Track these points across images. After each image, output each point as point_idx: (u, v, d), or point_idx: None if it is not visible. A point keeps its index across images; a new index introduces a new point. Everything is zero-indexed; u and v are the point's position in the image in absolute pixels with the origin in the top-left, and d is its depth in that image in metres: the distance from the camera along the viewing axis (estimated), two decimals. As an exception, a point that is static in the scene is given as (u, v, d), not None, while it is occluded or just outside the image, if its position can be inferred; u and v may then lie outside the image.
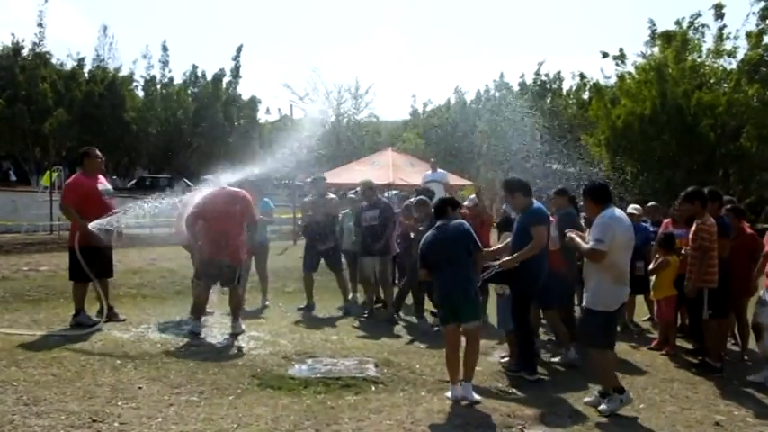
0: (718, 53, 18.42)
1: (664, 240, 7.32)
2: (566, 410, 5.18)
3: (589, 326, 5.26)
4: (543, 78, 34.71)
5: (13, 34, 40.40)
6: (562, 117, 23.18)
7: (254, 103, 39.69)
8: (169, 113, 35.79)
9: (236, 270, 7.37)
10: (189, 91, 37.44)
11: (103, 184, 7.89)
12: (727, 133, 17.79)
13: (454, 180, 18.95)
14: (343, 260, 9.37)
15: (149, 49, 38.25)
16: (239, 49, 38.02)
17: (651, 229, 8.50)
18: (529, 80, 34.85)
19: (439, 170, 15.14)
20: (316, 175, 9.68)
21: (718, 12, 18.28)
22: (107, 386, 5.38)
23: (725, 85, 18.19)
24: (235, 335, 7.18)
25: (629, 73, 19.80)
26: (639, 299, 8.35)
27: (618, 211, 5.28)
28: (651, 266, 7.36)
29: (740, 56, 18.02)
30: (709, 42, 18.63)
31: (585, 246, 5.18)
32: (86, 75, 35.01)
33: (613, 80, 21.34)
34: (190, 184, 8.51)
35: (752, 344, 6.81)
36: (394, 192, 14.93)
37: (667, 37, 18.82)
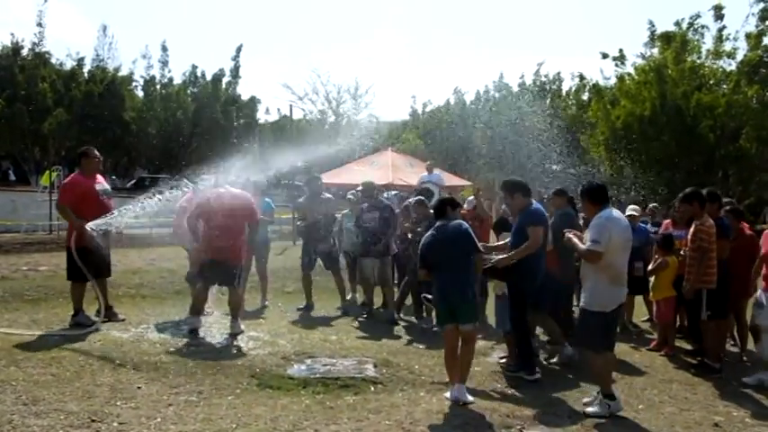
0: (717, 54, 18.43)
1: (662, 241, 7.34)
2: (565, 411, 5.18)
3: (586, 327, 5.26)
4: (543, 79, 34.72)
5: (12, 34, 40.29)
6: (562, 118, 23.16)
7: (253, 103, 39.62)
8: (169, 113, 35.73)
9: (237, 270, 7.37)
10: (188, 91, 37.37)
11: (101, 184, 7.86)
12: (727, 134, 17.80)
13: (454, 180, 18.95)
14: (343, 260, 9.39)
15: (149, 49, 38.15)
16: (239, 49, 38.00)
17: (651, 230, 8.51)
18: (528, 81, 34.86)
19: (435, 172, 15.11)
20: (310, 176, 9.68)
21: (718, 13, 18.30)
22: (106, 386, 5.38)
23: (724, 87, 18.21)
24: (234, 335, 7.18)
25: (629, 74, 19.81)
26: (639, 300, 8.36)
27: (615, 212, 5.28)
28: (650, 267, 7.37)
29: (740, 57, 18.04)
30: (708, 43, 18.66)
31: (582, 246, 5.19)
32: (86, 75, 34.93)
33: (613, 81, 21.36)
34: (190, 184, 8.48)
35: (751, 345, 6.83)
36: (393, 192, 14.90)
37: (667, 38, 18.83)
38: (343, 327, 8.09)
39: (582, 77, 26.07)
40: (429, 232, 5.69)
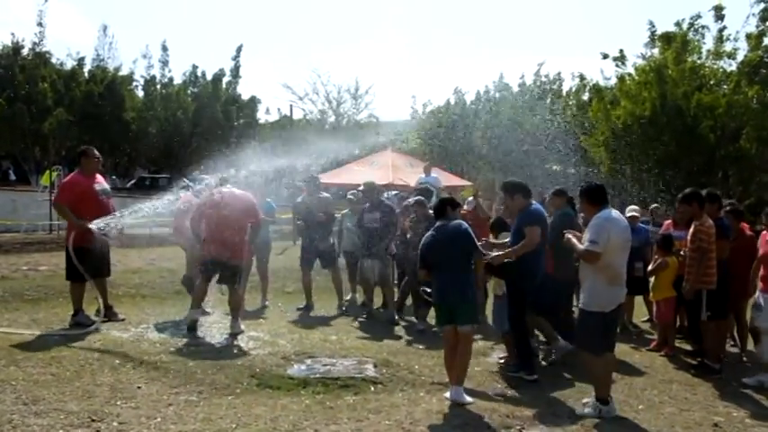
0: (718, 54, 18.40)
1: (662, 242, 7.34)
2: (564, 411, 5.18)
3: (585, 327, 5.25)
4: (543, 79, 34.71)
5: (12, 34, 40.38)
6: (562, 118, 23.14)
7: (253, 103, 39.61)
8: (169, 113, 35.73)
9: (238, 270, 7.37)
10: (189, 91, 37.37)
11: (101, 183, 7.85)
12: (727, 135, 17.77)
13: (454, 180, 18.92)
14: (343, 260, 9.39)
15: (149, 49, 38.14)
16: (239, 49, 38.01)
17: (651, 230, 8.51)
18: (529, 81, 34.84)
19: (432, 174, 15.03)
20: (308, 175, 9.68)
21: (719, 13, 18.26)
22: (106, 386, 5.39)
23: (725, 87, 18.17)
24: (234, 335, 7.18)
25: (629, 74, 19.79)
26: (639, 300, 8.36)
27: (614, 212, 5.28)
28: (650, 268, 7.37)
29: (740, 57, 18.00)
30: (709, 44, 18.61)
31: (580, 246, 5.19)
32: (86, 74, 34.96)
33: (613, 81, 21.34)
34: (190, 184, 8.49)
35: (750, 345, 6.83)
36: (393, 192, 14.88)
37: (667, 38, 18.81)
38: (343, 327, 8.10)
39: (582, 78, 26.02)
40: (429, 232, 5.69)
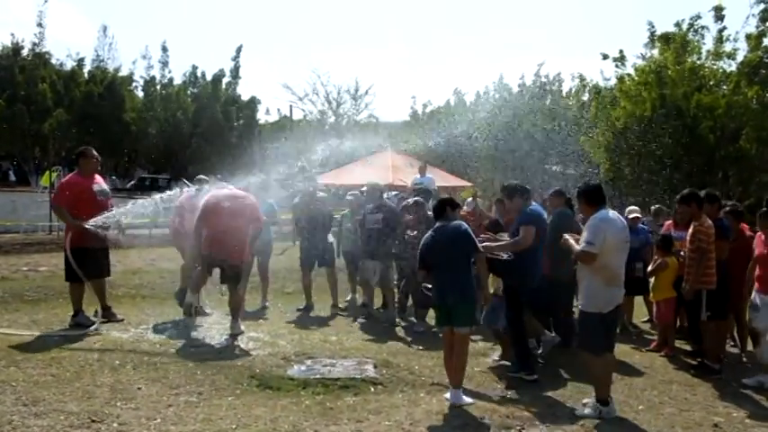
0: (717, 55, 18.39)
1: (661, 242, 7.34)
2: (564, 412, 5.18)
3: (585, 328, 5.26)
4: (543, 80, 34.73)
5: (12, 34, 40.40)
6: (561, 118, 23.13)
7: (253, 103, 39.65)
8: (169, 114, 35.78)
9: (239, 270, 7.37)
10: (188, 91, 37.43)
11: (99, 184, 7.82)
12: (727, 135, 17.76)
13: (453, 181, 18.92)
14: (342, 261, 9.38)
15: (149, 50, 38.29)
16: (239, 50, 38.06)
17: (649, 231, 8.50)
18: (529, 81, 34.85)
19: (427, 174, 14.97)
20: (305, 176, 9.68)
21: (718, 14, 18.25)
22: (106, 387, 5.39)
23: (724, 87, 18.16)
24: (234, 336, 7.17)
25: (629, 75, 19.79)
26: (639, 300, 8.36)
27: (611, 213, 5.28)
28: (650, 268, 7.37)
29: (740, 58, 17.98)
30: (708, 44, 18.60)
31: (577, 247, 5.19)
32: (86, 75, 35.02)
33: (613, 82, 21.34)
34: (189, 184, 8.50)
35: (750, 346, 6.83)
36: (393, 193, 14.88)
37: (667, 39, 18.80)
38: (343, 327, 8.09)
39: (582, 78, 26.01)
40: (428, 233, 5.69)
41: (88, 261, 7.42)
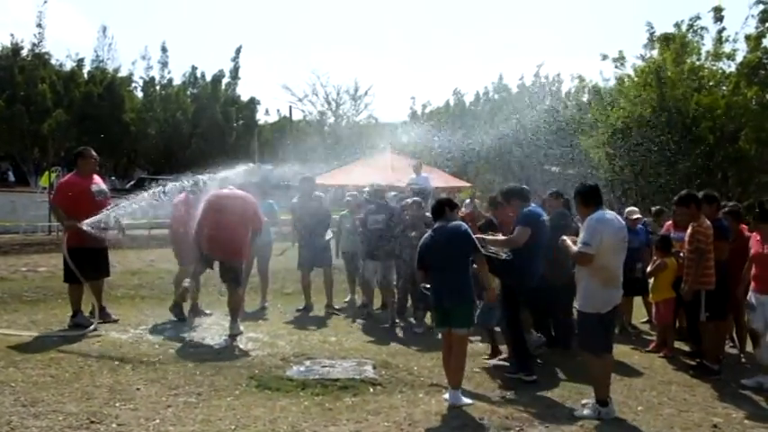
0: (717, 56, 18.43)
1: (660, 243, 7.34)
2: (563, 412, 5.18)
3: (584, 328, 5.27)
4: (542, 80, 34.78)
5: (12, 35, 40.41)
6: (561, 119, 23.15)
7: (253, 104, 39.69)
8: (168, 114, 35.79)
9: (238, 270, 7.36)
10: (188, 92, 37.46)
11: (98, 185, 7.80)
12: (726, 136, 17.79)
13: (452, 182, 18.90)
14: (341, 261, 9.37)
15: (148, 50, 38.44)
16: (238, 50, 38.11)
17: (651, 232, 8.50)
18: (528, 82, 34.92)
19: (423, 174, 14.85)
20: (303, 175, 9.68)
21: (718, 14, 18.29)
22: (105, 387, 5.38)
23: (724, 88, 18.20)
24: (233, 336, 7.17)
25: (628, 75, 19.81)
26: (638, 301, 8.36)
27: (608, 213, 5.27)
28: (649, 269, 7.37)
29: (739, 58, 18.04)
30: (708, 45, 18.65)
31: (574, 248, 5.19)
32: (85, 75, 35.04)
33: (612, 82, 21.37)
34: (188, 185, 8.47)
35: (749, 346, 6.83)
36: (393, 193, 14.86)
37: (666, 39, 18.84)
38: (343, 328, 8.09)
39: (581, 79, 26.06)
40: (427, 233, 5.69)
41: (87, 261, 7.42)
